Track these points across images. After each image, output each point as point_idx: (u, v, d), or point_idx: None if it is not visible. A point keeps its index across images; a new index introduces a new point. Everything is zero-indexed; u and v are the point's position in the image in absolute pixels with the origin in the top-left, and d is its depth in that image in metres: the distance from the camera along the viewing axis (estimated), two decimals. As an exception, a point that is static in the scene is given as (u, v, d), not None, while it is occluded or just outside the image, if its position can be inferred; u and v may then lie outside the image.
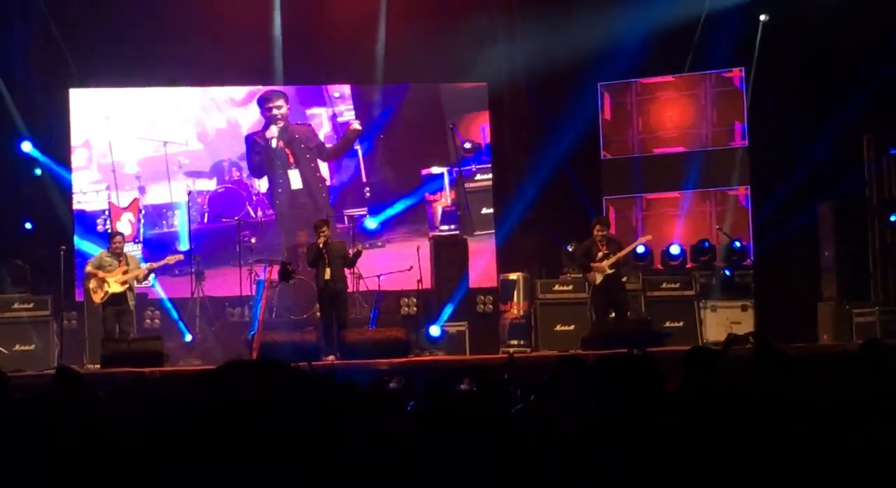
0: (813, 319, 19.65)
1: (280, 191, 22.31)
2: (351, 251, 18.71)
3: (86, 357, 19.16)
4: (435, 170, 22.59)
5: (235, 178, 22.31)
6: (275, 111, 22.22)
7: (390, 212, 22.27)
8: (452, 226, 22.26)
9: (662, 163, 21.78)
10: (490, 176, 22.65)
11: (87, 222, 21.70)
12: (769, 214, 20.78)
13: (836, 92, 20.27)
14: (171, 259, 19.19)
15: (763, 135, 20.99)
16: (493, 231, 22.42)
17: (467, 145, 22.46)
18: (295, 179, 22.35)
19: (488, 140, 22.64)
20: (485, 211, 22.57)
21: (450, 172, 22.52)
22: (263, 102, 22.30)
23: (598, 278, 18.44)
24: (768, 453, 5.36)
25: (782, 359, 8.94)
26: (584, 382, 6.75)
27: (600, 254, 18.46)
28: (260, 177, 22.39)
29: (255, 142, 22.29)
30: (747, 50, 21.04)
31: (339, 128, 22.59)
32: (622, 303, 18.70)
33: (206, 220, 21.97)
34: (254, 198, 22.30)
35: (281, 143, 22.25)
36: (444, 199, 22.43)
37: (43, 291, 19.88)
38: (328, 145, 22.55)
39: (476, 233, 22.02)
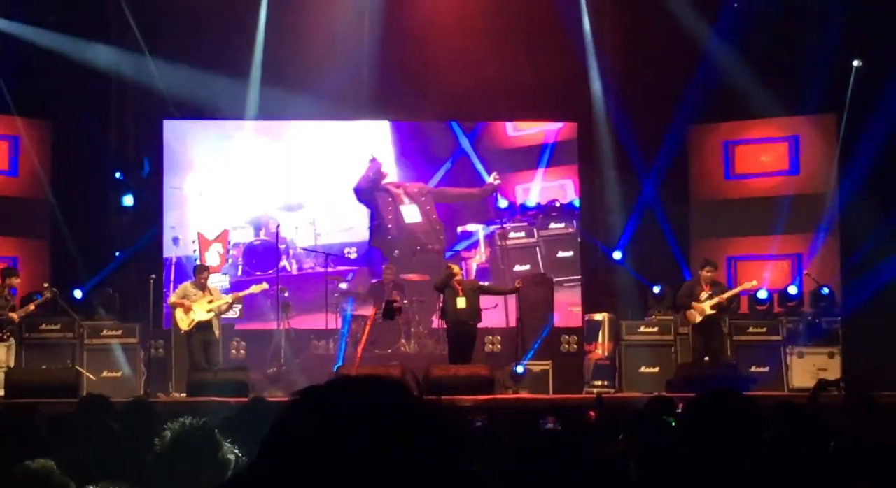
0: (902, 368, 19.39)
1: (391, 227, 22.42)
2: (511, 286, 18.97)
3: (171, 385, 19.32)
4: (470, 227, 22.71)
5: (273, 231, 22.36)
6: (382, 170, 22.48)
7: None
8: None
9: (752, 207, 21.64)
10: (563, 224, 22.70)
11: (192, 258, 21.91)
12: (858, 260, 20.57)
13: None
14: (255, 288, 19.37)
15: (853, 181, 20.79)
16: (578, 275, 22.41)
17: (503, 203, 22.58)
18: (410, 213, 22.49)
19: (570, 197, 22.66)
20: (561, 254, 22.60)
21: (486, 231, 22.68)
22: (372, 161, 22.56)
23: (698, 318, 18.46)
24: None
25: (872, 406, 8.86)
26: (678, 421, 6.74)
27: (704, 295, 18.46)
28: (363, 201, 22.52)
29: (372, 167, 22.53)
30: (840, 95, 20.89)
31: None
32: (718, 348, 18.70)
33: (239, 273, 22.08)
34: (291, 251, 22.32)
35: (390, 187, 22.46)
36: (478, 256, 22.42)
37: (131, 319, 20.10)
38: (447, 189, 22.74)
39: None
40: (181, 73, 21.36)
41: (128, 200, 21.70)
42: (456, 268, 18.55)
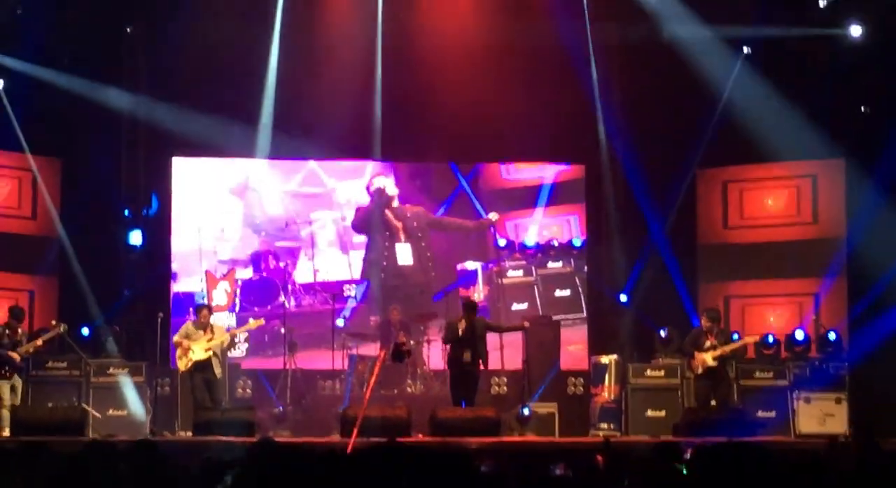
0: (909, 413, 19.35)
1: (385, 264, 22.43)
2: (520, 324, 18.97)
3: (177, 424, 19.30)
4: (469, 265, 22.74)
5: (272, 268, 22.43)
6: (380, 178, 22.50)
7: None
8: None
9: (760, 251, 21.66)
10: (561, 263, 22.76)
11: (189, 294, 21.96)
12: (866, 305, 20.53)
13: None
14: (252, 324, 19.38)
15: (861, 226, 20.78)
16: (577, 314, 22.43)
17: (502, 242, 22.64)
18: (403, 254, 22.49)
19: (576, 234, 22.70)
20: (559, 293, 22.67)
21: (484, 268, 22.71)
22: (370, 184, 22.58)
23: (700, 369, 18.38)
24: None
25: (882, 454, 8.86)
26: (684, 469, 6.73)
27: (707, 344, 18.39)
28: (360, 232, 22.56)
29: (365, 209, 22.55)
30: (848, 140, 20.91)
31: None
32: (725, 393, 18.62)
33: (237, 309, 22.10)
34: (289, 287, 22.31)
35: (391, 216, 22.47)
36: (476, 294, 22.36)
37: (137, 357, 20.10)
38: (445, 218, 22.76)
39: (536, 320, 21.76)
40: (191, 114, 21.44)
41: (136, 238, 21.71)
42: (466, 321, 18.33)
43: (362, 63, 21.89)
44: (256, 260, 22.44)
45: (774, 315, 21.42)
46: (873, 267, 20.34)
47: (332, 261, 22.67)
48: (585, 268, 22.72)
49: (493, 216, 22.58)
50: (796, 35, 20.61)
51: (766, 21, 20.55)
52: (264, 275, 22.34)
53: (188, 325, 18.77)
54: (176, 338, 18.74)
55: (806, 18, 20.55)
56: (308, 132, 21.95)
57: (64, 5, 20.48)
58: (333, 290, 21.98)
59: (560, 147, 22.48)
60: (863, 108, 20.87)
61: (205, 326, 18.48)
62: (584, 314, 22.55)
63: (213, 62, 21.24)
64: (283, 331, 20.78)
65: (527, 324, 18.96)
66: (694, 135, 21.31)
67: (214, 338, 18.43)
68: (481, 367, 18.41)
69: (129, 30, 21.49)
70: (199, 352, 18.26)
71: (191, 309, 20.91)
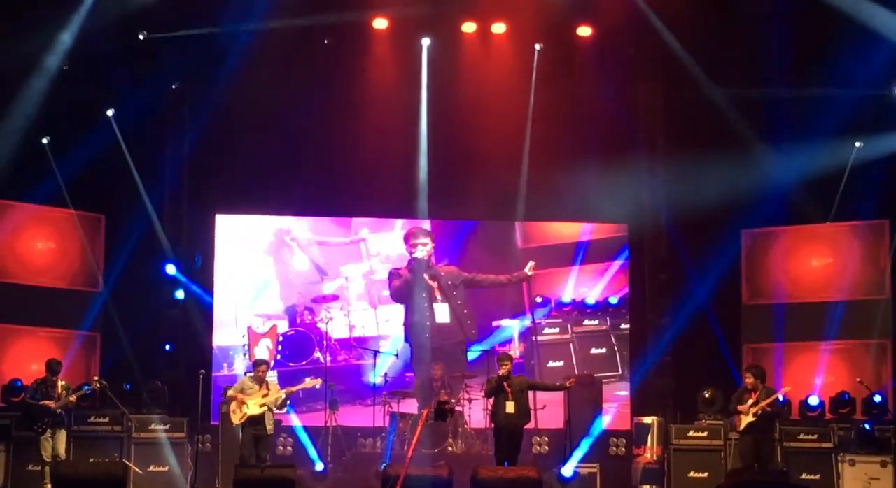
0: (956, 479, 19.16)
1: (428, 324, 22.41)
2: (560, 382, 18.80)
3: (218, 481, 19.29)
4: (505, 323, 22.71)
5: (307, 322, 22.46)
6: (420, 248, 22.48)
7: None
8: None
9: (804, 312, 21.52)
10: (597, 321, 22.74)
11: (224, 348, 21.99)
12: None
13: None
14: (308, 383, 19.27)
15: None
16: (613, 372, 22.35)
17: (538, 299, 22.61)
18: (442, 313, 22.45)
19: (612, 292, 22.67)
20: (595, 351, 22.68)
21: (521, 326, 22.70)
22: (409, 238, 22.56)
23: (743, 423, 18.20)
24: None
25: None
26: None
27: (750, 401, 18.23)
28: (400, 301, 22.53)
29: (397, 274, 22.53)
30: (892, 201, 20.83)
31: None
32: (768, 455, 18.42)
33: (271, 364, 22.11)
34: (324, 343, 22.30)
35: (426, 277, 22.44)
36: (512, 351, 22.17)
37: (178, 413, 20.09)
38: (479, 275, 22.72)
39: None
40: (235, 171, 21.61)
41: (178, 293, 21.77)
42: (505, 366, 18.21)
43: (405, 122, 22.02)
44: (292, 314, 22.47)
45: (819, 376, 21.23)
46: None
47: (363, 315, 22.66)
48: (622, 325, 22.68)
49: (528, 270, 22.53)
50: (840, 95, 20.56)
51: (811, 81, 20.52)
52: (300, 329, 22.35)
53: (244, 379, 18.68)
54: (231, 391, 18.63)
55: (851, 79, 20.50)
56: (349, 190, 22.09)
57: (110, 62, 20.60)
58: (370, 346, 21.95)
59: (603, 206, 22.41)
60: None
61: (261, 381, 18.39)
62: (620, 372, 22.48)
63: (257, 122, 21.43)
64: (317, 386, 20.75)
65: (569, 383, 18.75)
66: (739, 196, 21.22)
67: (270, 394, 18.33)
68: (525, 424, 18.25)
69: (174, 87, 21.64)
70: (253, 407, 18.15)
71: (225, 364, 21.03)
